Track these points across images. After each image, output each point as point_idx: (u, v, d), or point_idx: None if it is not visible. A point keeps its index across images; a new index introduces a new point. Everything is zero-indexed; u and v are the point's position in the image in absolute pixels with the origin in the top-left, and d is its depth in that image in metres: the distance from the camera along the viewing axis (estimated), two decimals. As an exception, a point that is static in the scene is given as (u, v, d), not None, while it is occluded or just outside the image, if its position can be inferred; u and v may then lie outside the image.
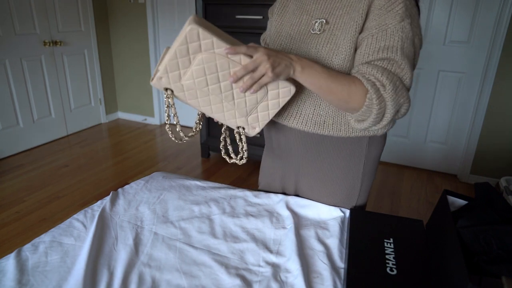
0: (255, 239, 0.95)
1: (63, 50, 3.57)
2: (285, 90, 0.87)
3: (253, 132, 0.95)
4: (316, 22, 0.93)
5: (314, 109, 0.97)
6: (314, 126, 0.98)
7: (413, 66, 0.88)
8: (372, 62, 0.85)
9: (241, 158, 0.98)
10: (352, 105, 0.85)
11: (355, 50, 0.89)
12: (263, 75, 0.79)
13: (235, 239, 0.95)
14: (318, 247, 0.93)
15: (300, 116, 0.99)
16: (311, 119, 0.98)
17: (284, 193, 1.19)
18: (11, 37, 3.10)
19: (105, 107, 4.20)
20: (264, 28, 2.55)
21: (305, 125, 0.99)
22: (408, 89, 0.87)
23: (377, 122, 0.87)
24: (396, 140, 3.20)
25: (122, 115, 4.41)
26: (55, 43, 3.45)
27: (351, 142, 1.01)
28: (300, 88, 0.98)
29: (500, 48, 2.61)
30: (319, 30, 0.92)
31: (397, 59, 0.84)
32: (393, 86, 0.82)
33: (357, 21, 0.87)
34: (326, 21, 0.92)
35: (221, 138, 1.03)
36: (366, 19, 0.87)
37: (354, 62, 0.90)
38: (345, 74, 0.88)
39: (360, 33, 0.88)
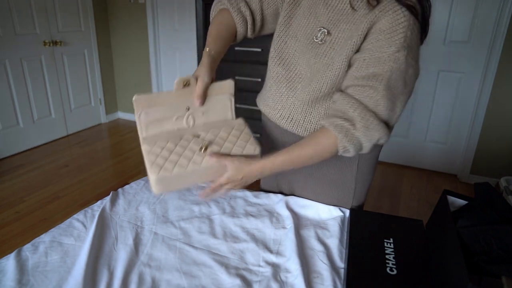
0: (255, 239, 0.95)
1: (63, 50, 3.57)
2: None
3: None
4: (320, 30, 0.91)
5: (305, 116, 0.98)
6: (305, 132, 0.98)
7: (397, 97, 0.84)
8: (353, 89, 0.85)
9: None
10: (327, 157, 0.90)
11: (349, 67, 0.88)
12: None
13: (235, 239, 0.95)
14: (318, 247, 0.93)
15: (292, 120, 1.00)
16: (302, 125, 0.99)
17: (282, 193, 1.20)
18: (11, 37, 3.10)
19: (105, 107, 4.20)
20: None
21: (296, 129, 1.00)
22: (385, 121, 0.85)
23: (359, 151, 0.89)
24: (396, 140, 3.20)
25: (122, 115, 4.41)
26: (55, 43, 3.45)
27: None
28: (292, 93, 0.98)
29: (500, 48, 2.61)
30: (321, 40, 0.90)
31: (379, 89, 0.82)
32: (364, 123, 0.83)
33: (354, 41, 0.85)
34: (328, 32, 0.90)
35: None
36: (364, 39, 0.84)
37: (344, 79, 0.89)
38: (311, 136, 0.91)
39: (356, 51, 0.86)
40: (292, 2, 0.99)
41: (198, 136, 0.91)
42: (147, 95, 0.87)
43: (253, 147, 0.92)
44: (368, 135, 0.84)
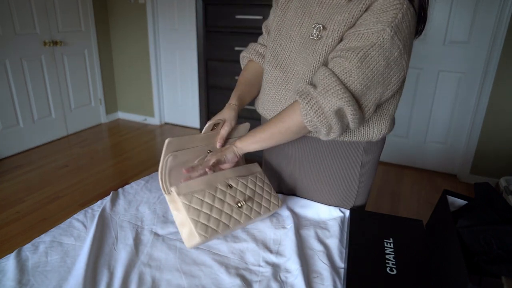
0: (255, 239, 0.95)
1: (63, 50, 3.57)
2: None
3: None
4: (315, 27, 0.90)
5: None
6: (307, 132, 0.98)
7: (376, 77, 0.82)
8: (330, 61, 0.85)
9: None
10: (294, 128, 0.89)
11: None
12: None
13: (235, 239, 0.95)
14: (318, 247, 0.93)
15: None
16: None
17: (281, 193, 1.19)
18: (11, 37, 3.10)
19: (105, 107, 4.20)
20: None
21: None
22: (356, 96, 0.82)
23: (324, 124, 0.84)
24: (396, 140, 3.20)
25: (122, 115, 4.41)
26: (55, 43, 3.45)
27: (347, 146, 1.00)
28: (291, 94, 0.98)
29: (500, 48, 2.61)
30: (317, 36, 0.89)
31: (353, 61, 0.80)
32: (325, 86, 0.81)
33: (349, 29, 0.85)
34: (323, 27, 0.89)
35: None
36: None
37: None
38: (284, 111, 0.91)
39: None
40: (284, 7, 1.00)
41: (230, 186, 0.91)
42: (179, 138, 0.90)
43: (276, 201, 1.01)
44: (327, 98, 0.81)
